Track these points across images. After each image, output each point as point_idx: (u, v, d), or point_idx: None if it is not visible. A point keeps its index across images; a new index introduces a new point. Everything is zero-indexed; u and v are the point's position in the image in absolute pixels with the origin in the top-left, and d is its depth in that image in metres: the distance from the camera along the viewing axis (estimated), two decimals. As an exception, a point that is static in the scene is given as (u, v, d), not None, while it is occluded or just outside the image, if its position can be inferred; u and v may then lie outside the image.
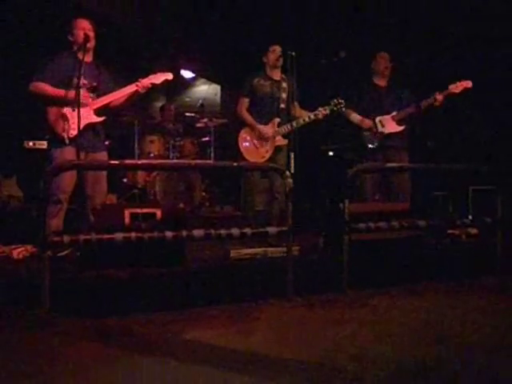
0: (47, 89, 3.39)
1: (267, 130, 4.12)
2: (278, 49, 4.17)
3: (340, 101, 4.05)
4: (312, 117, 4.04)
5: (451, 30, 5.50)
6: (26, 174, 5.07)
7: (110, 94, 3.49)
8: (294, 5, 5.96)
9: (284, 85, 4.20)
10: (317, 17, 6.04)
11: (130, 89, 3.49)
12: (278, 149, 4.14)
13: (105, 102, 3.48)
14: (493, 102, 5.36)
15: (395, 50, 4.45)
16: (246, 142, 4.16)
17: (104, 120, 3.53)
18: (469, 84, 4.03)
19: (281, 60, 4.14)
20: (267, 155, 4.12)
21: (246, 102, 4.21)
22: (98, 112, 3.48)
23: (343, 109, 4.08)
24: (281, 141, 4.13)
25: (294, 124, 4.00)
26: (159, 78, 3.55)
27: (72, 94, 3.33)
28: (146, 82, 3.49)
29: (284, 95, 4.18)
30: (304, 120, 4.04)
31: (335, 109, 4.05)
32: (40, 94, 3.40)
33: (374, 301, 2.74)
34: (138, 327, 2.28)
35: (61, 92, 3.37)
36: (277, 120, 4.13)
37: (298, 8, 6.00)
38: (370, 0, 5.83)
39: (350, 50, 4.12)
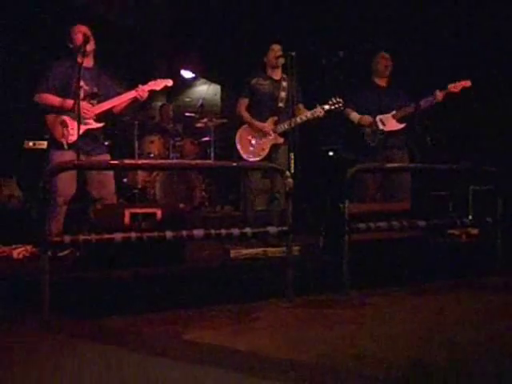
0: (53, 100, 3.41)
1: (265, 125, 4.10)
2: (277, 48, 4.14)
3: (338, 100, 4.02)
4: (309, 115, 4.01)
5: (450, 28, 5.50)
6: (26, 174, 5.07)
7: (110, 101, 3.49)
8: (294, 4, 5.97)
9: (284, 84, 4.17)
10: (317, 17, 6.04)
11: (130, 95, 3.49)
12: (275, 147, 4.12)
13: (104, 109, 3.49)
14: (493, 101, 5.35)
15: (395, 50, 4.45)
16: (243, 140, 4.16)
17: (103, 126, 3.53)
18: (468, 83, 4.03)
19: (281, 59, 4.11)
20: (263, 153, 4.10)
21: (245, 102, 4.21)
22: (97, 118, 3.48)
23: (342, 108, 4.05)
24: (278, 139, 4.10)
25: (292, 123, 3.91)
26: (159, 84, 3.55)
27: (70, 102, 3.35)
28: (146, 88, 3.49)
29: (283, 94, 4.15)
30: (301, 118, 3.99)
31: (333, 108, 4.02)
32: (45, 105, 3.44)
33: (374, 301, 2.74)
34: (138, 327, 2.28)
35: (66, 102, 3.39)
36: (274, 118, 4.11)
37: (298, 8, 6.00)
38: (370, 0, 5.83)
39: (350, 51, 4.13)
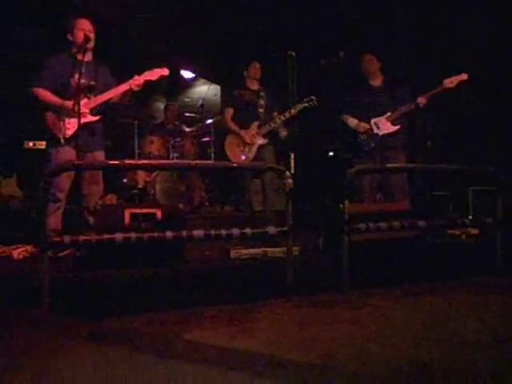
0: (47, 96, 3.43)
1: (247, 134, 4.54)
2: (257, 65, 4.66)
3: (312, 97, 4.42)
4: (287, 115, 4.39)
5: (449, 28, 5.50)
6: (26, 174, 5.07)
7: (105, 93, 3.47)
8: (294, 5, 5.96)
9: (262, 94, 4.67)
10: (317, 17, 6.04)
11: (125, 87, 3.46)
12: (261, 148, 4.54)
13: (99, 102, 3.48)
14: (493, 101, 5.36)
15: (395, 50, 4.45)
16: (231, 147, 4.61)
17: (99, 119, 3.52)
18: (464, 77, 3.96)
19: (259, 73, 4.66)
20: (251, 156, 4.53)
21: (230, 111, 4.69)
22: (93, 111, 3.47)
23: (315, 104, 4.41)
24: (261, 141, 4.55)
25: (272, 124, 4.48)
26: (155, 74, 3.50)
27: (69, 103, 3.36)
28: (141, 78, 3.46)
29: (262, 101, 4.64)
30: (280, 119, 4.45)
31: (307, 105, 4.41)
32: (41, 100, 3.45)
33: (374, 301, 2.74)
34: (138, 327, 2.28)
35: (59, 101, 3.40)
36: (256, 123, 4.56)
37: (298, 8, 6.00)
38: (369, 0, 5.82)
39: (350, 50, 4.14)
